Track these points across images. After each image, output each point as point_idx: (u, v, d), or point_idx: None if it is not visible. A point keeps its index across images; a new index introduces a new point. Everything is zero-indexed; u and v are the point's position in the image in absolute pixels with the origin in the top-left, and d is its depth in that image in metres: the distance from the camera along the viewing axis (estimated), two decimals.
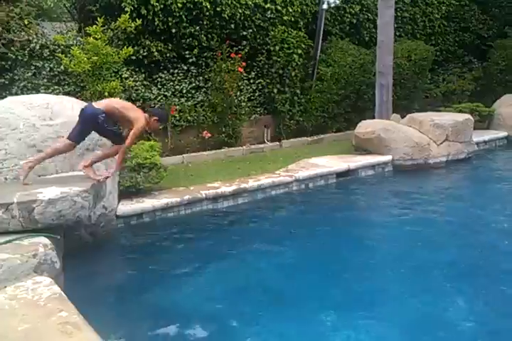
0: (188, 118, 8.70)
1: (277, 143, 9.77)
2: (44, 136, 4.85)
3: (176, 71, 8.92)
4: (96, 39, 6.68)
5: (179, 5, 8.25)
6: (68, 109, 5.14)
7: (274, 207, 6.65)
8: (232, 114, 9.03)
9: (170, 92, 8.70)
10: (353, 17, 11.04)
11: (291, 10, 9.88)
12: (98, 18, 6.92)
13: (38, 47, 7.56)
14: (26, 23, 7.70)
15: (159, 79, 8.73)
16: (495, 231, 5.63)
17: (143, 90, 8.32)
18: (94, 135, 4.86)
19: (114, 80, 7.02)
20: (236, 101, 9.08)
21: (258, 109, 9.92)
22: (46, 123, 4.92)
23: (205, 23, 8.78)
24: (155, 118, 4.71)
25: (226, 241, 5.39)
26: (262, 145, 9.57)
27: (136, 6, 7.99)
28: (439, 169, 8.32)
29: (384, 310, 3.92)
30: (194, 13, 8.55)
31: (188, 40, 8.79)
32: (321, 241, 5.46)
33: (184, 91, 8.88)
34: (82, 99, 6.21)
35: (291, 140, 9.93)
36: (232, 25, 9.13)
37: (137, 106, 4.83)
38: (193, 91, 9.02)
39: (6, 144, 4.73)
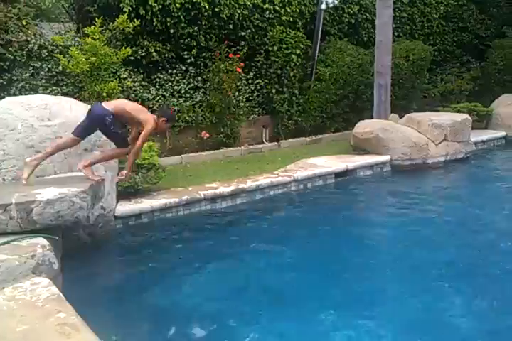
0: (187, 118, 8.70)
1: (276, 143, 9.77)
2: (42, 136, 4.84)
3: (175, 71, 8.92)
4: (94, 39, 6.67)
5: (177, 5, 8.25)
6: (66, 109, 5.13)
7: (273, 207, 6.65)
8: (231, 114, 9.04)
9: (168, 93, 8.70)
10: (351, 17, 11.05)
11: (289, 10, 9.89)
12: (96, 19, 6.90)
13: (36, 47, 7.55)
14: (24, 23, 7.69)
15: (158, 80, 8.73)
16: (493, 230, 5.64)
17: (141, 91, 8.32)
18: (92, 136, 4.86)
19: (112, 81, 7.01)
20: (234, 101, 9.09)
21: (256, 110, 9.93)
22: (44, 123, 4.91)
23: (203, 23, 8.78)
24: (163, 119, 4.72)
25: (225, 242, 5.40)
26: (260, 146, 9.58)
27: (134, 6, 7.98)
28: (437, 169, 8.33)
29: (383, 309, 3.93)
30: (192, 13, 8.55)
31: (186, 40, 8.79)
32: (320, 241, 5.47)
33: (182, 91, 8.88)
34: (81, 100, 6.21)
35: (289, 140, 9.93)
36: (231, 26, 9.13)
37: None
38: (192, 92, 9.02)
39: (4, 145, 4.73)
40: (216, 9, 8.74)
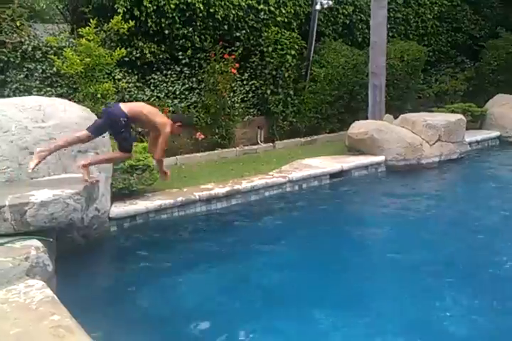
0: None
1: (271, 144, 9.78)
2: (36, 138, 4.82)
3: (169, 72, 8.91)
4: (89, 40, 6.66)
5: (172, 6, 8.25)
6: (61, 111, 5.11)
7: (268, 208, 6.65)
8: (226, 115, 9.04)
9: (163, 94, 8.70)
10: (346, 18, 11.07)
11: (284, 11, 9.90)
12: (91, 20, 6.90)
13: (30, 48, 7.52)
14: (18, 24, 7.66)
15: (152, 81, 8.73)
16: (489, 230, 5.67)
17: (136, 92, 8.31)
18: None
19: (106, 82, 7.01)
20: (229, 102, 9.09)
21: (251, 110, 9.93)
22: (38, 125, 4.89)
23: (198, 24, 8.78)
24: (179, 124, 4.72)
25: (219, 243, 5.39)
26: (255, 147, 9.58)
27: (129, 7, 7.98)
28: (431, 169, 8.36)
29: (381, 309, 3.94)
30: (187, 14, 8.55)
31: (181, 41, 8.79)
32: (316, 241, 5.48)
33: (177, 92, 8.88)
34: (75, 101, 6.19)
35: (284, 141, 9.94)
36: (226, 27, 9.13)
37: None
38: (187, 93, 9.02)
39: None
40: (211, 10, 8.74)
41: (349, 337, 3.60)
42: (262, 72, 9.81)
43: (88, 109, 5.58)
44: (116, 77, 8.01)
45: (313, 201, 6.92)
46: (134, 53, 8.35)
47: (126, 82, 8.13)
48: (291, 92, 10.02)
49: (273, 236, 5.63)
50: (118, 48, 7.07)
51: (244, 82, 9.72)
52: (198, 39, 8.90)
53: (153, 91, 8.61)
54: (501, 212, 6.24)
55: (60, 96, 7.06)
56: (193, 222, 6.03)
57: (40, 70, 7.59)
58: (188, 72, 9.08)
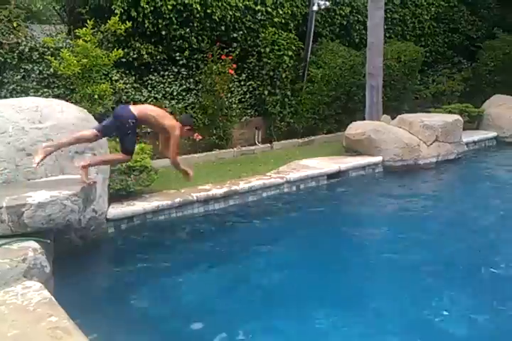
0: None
1: (268, 144, 9.78)
2: (33, 139, 4.82)
3: (167, 73, 8.91)
4: (86, 41, 6.67)
5: (169, 7, 8.24)
6: (58, 112, 5.11)
7: (266, 208, 6.65)
8: (223, 116, 9.03)
9: (160, 94, 8.69)
10: (343, 19, 11.07)
11: (281, 12, 9.91)
12: (88, 21, 6.91)
13: (27, 49, 7.51)
14: (15, 25, 7.66)
15: (149, 82, 8.72)
16: (487, 230, 5.70)
17: (133, 92, 8.30)
18: None
19: (104, 83, 7.01)
20: (227, 103, 9.08)
21: (249, 111, 9.93)
22: (35, 126, 4.89)
23: (195, 25, 8.77)
24: (188, 127, 4.72)
25: (218, 243, 5.40)
26: (253, 147, 9.58)
27: (126, 8, 7.96)
28: (429, 170, 8.37)
29: (380, 309, 3.96)
30: (184, 15, 8.55)
31: (178, 42, 8.78)
32: (314, 242, 5.50)
33: (175, 93, 8.88)
34: (72, 102, 6.19)
35: (282, 142, 9.94)
36: (223, 27, 9.13)
37: None
38: (184, 94, 9.01)
39: None
40: (208, 11, 8.74)
41: (349, 336, 3.61)
42: (260, 73, 9.81)
43: (85, 110, 5.58)
44: (113, 78, 8.01)
45: (310, 202, 6.92)
46: (131, 54, 8.34)
47: (124, 83, 8.13)
48: (289, 93, 10.02)
49: (271, 237, 5.63)
50: (115, 49, 7.08)
51: (242, 83, 9.72)
52: (195, 40, 8.89)
53: (150, 92, 8.60)
54: (499, 212, 6.26)
55: (57, 97, 7.06)
56: (190, 222, 6.03)
57: (37, 71, 7.58)
58: (185, 72, 9.07)
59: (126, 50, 8.03)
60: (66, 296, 3.32)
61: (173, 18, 8.43)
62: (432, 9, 12.87)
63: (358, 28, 11.34)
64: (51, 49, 7.60)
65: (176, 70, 8.99)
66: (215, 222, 6.09)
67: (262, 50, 9.62)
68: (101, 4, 8.02)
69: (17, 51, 7.46)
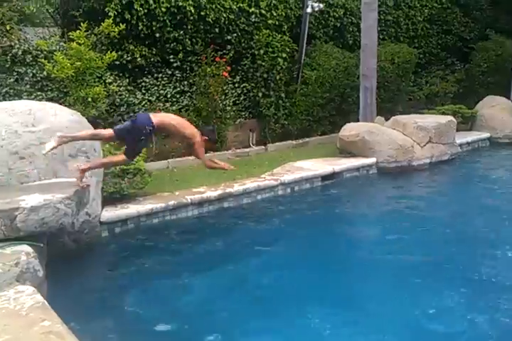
0: None
1: (263, 146, 9.79)
2: (26, 142, 4.80)
3: (161, 75, 8.90)
4: (79, 44, 6.66)
5: (163, 9, 8.26)
6: (51, 115, 5.09)
7: (260, 211, 6.66)
8: (217, 118, 9.03)
9: (154, 97, 8.68)
10: (336, 21, 11.12)
11: (275, 14, 9.94)
12: (81, 23, 6.90)
13: (20, 52, 7.49)
14: (8, 28, 7.64)
15: (143, 84, 8.72)
16: (480, 230, 5.75)
17: (127, 95, 8.29)
18: (76, 142, 4.85)
19: (97, 85, 7.00)
20: (221, 105, 9.08)
21: (243, 113, 9.94)
22: (29, 129, 4.87)
23: (189, 27, 8.78)
24: (205, 138, 4.77)
25: (212, 246, 5.40)
26: (247, 149, 9.58)
27: (119, 10, 7.98)
28: (422, 171, 8.41)
29: (378, 310, 3.98)
30: (178, 17, 8.56)
31: (172, 44, 8.79)
32: (308, 243, 5.52)
33: (169, 95, 8.87)
34: (66, 105, 6.17)
35: (276, 143, 9.95)
36: (217, 30, 9.15)
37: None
38: (178, 96, 9.01)
39: None
40: (202, 13, 8.76)
41: (348, 336, 3.63)
42: (254, 75, 9.82)
43: (79, 113, 5.56)
44: (107, 81, 7.99)
45: (305, 203, 6.93)
46: (125, 57, 8.35)
47: (117, 86, 8.11)
48: (283, 95, 10.04)
49: (266, 240, 5.63)
50: (109, 52, 7.07)
51: (236, 85, 9.72)
52: (189, 42, 8.90)
53: (144, 94, 8.60)
54: (492, 212, 6.30)
55: (51, 100, 7.04)
56: (184, 225, 6.02)
57: (31, 74, 7.56)
58: (179, 75, 9.08)
59: (119, 53, 8.03)
60: (59, 300, 3.31)
61: (167, 21, 8.44)
62: (425, 11, 12.95)
63: (352, 30, 11.39)
64: (44, 52, 7.57)
65: (169, 73, 8.99)
66: (209, 224, 6.09)
67: (256, 52, 9.64)
68: (94, 7, 8.02)
69: (10, 54, 7.43)
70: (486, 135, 10.51)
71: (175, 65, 8.99)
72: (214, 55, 8.97)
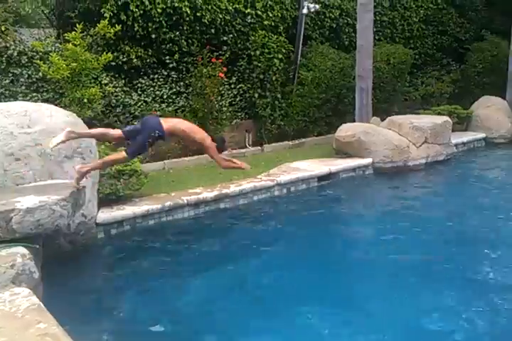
0: None
1: (259, 147, 9.79)
2: (22, 144, 4.79)
3: (156, 76, 8.89)
4: (75, 45, 6.64)
5: (159, 10, 8.25)
6: (47, 116, 5.08)
7: (256, 211, 6.66)
8: (214, 119, 9.02)
9: (150, 98, 8.67)
10: (332, 22, 11.13)
11: (271, 15, 9.94)
12: (77, 24, 6.88)
13: (15, 53, 7.46)
14: (3, 29, 7.61)
15: (139, 85, 8.70)
16: (476, 229, 5.78)
17: (123, 96, 8.28)
18: (72, 142, 4.84)
19: (93, 86, 6.99)
20: (217, 106, 9.08)
21: (239, 114, 9.94)
22: (24, 131, 4.86)
23: (185, 28, 8.78)
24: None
25: (208, 247, 5.41)
26: (243, 150, 9.58)
27: (115, 11, 7.96)
28: (418, 171, 8.44)
29: (378, 310, 3.99)
30: (174, 18, 8.55)
31: (168, 45, 8.78)
32: (305, 243, 5.53)
33: (165, 96, 8.86)
34: (61, 106, 6.16)
35: (272, 144, 9.95)
36: (213, 31, 9.14)
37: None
38: (174, 97, 9.00)
39: None
40: (198, 14, 8.75)
41: (348, 336, 3.65)
42: (250, 76, 9.82)
43: (74, 114, 5.56)
44: (102, 82, 7.98)
45: (301, 204, 6.94)
46: (121, 58, 8.33)
47: (113, 87, 8.10)
48: (279, 96, 10.04)
49: (263, 240, 5.65)
50: (104, 53, 7.05)
51: (232, 86, 9.72)
52: (185, 43, 8.90)
53: (140, 95, 8.58)
54: (488, 212, 6.33)
55: (46, 101, 7.01)
56: (181, 226, 6.02)
57: (26, 75, 7.53)
58: (175, 76, 9.07)
59: (115, 54, 8.01)
60: (55, 302, 3.30)
61: (163, 22, 8.43)
62: (421, 12, 12.97)
63: (348, 31, 11.40)
64: (40, 53, 7.55)
65: (165, 74, 8.98)
66: (205, 225, 6.09)
67: (252, 53, 9.64)
68: (90, 8, 8.01)
69: (5, 55, 7.41)
70: (481, 135, 10.56)
71: (171, 65, 8.98)
72: (210, 56, 8.96)
